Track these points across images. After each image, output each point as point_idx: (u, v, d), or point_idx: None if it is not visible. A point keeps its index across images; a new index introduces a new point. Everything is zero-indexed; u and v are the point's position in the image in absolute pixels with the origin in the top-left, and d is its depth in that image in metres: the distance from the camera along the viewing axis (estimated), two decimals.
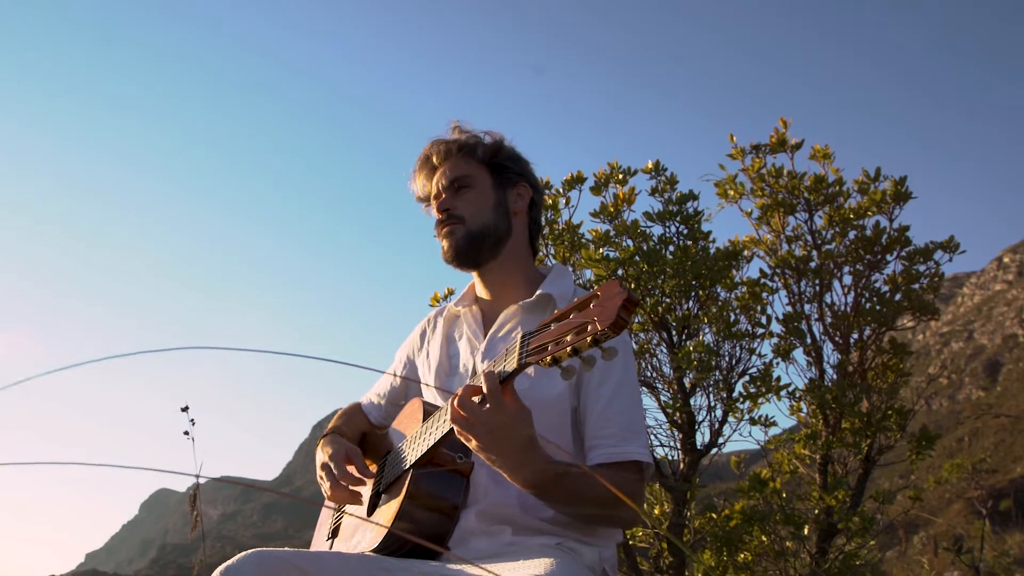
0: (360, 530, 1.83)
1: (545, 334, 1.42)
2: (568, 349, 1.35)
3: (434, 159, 1.98)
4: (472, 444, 1.54)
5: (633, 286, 3.44)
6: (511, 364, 1.47)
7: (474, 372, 1.87)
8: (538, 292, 1.87)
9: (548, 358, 1.38)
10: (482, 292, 2.01)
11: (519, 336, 1.48)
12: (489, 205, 1.92)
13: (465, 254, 1.91)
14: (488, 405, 1.48)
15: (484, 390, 1.49)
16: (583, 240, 3.66)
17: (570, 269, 2.10)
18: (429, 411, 1.80)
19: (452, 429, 1.57)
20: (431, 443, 1.65)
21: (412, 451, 1.73)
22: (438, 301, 3.89)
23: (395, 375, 2.13)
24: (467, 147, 1.96)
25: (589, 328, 1.32)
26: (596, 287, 1.39)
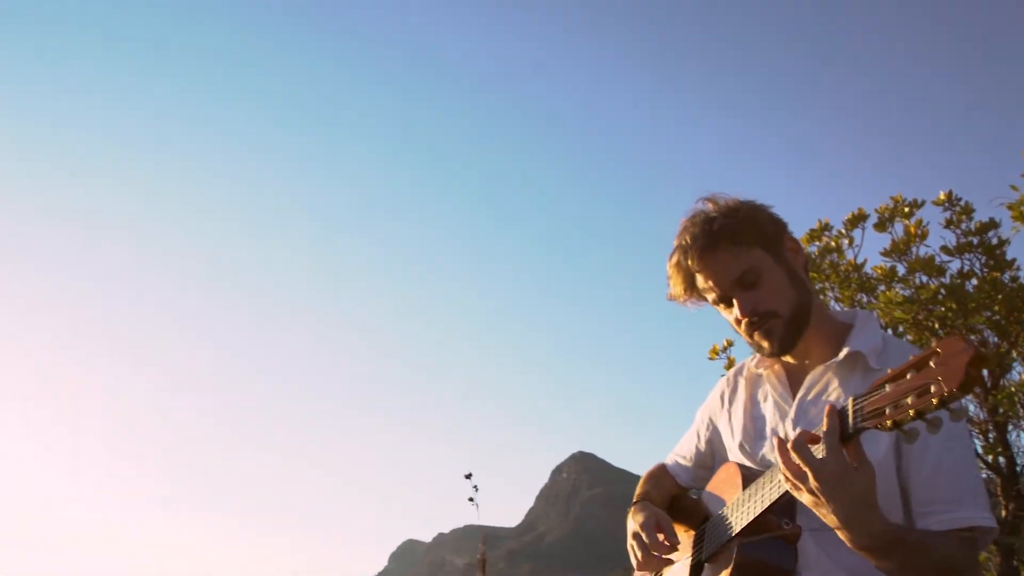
0: None
1: (880, 396, 1.33)
2: (911, 412, 1.26)
3: (698, 260, 1.79)
4: (802, 495, 1.47)
5: (937, 326, 3.27)
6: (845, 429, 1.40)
7: (785, 438, 1.78)
8: (845, 351, 1.73)
9: (888, 422, 1.30)
10: None
11: (850, 399, 1.40)
12: (786, 283, 1.77)
13: (791, 344, 1.78)
14: (823, 453, 1.41)
15: (821, 436, 1.42)
16: (871, 280, 3.53)
17: (875, 314, 1.95)
18: (748, 475, 1.74)
19: (782, 495, 1.53)
20: (759, 509, 1.59)
21: (736, 518, 1.68)
22: (717, 354, 3.89)
23: (699, 437, 2.09)
24: (731, 235, 1.77)
25: (933, 389, 1.24)
26: (935, 342, 1.29)
